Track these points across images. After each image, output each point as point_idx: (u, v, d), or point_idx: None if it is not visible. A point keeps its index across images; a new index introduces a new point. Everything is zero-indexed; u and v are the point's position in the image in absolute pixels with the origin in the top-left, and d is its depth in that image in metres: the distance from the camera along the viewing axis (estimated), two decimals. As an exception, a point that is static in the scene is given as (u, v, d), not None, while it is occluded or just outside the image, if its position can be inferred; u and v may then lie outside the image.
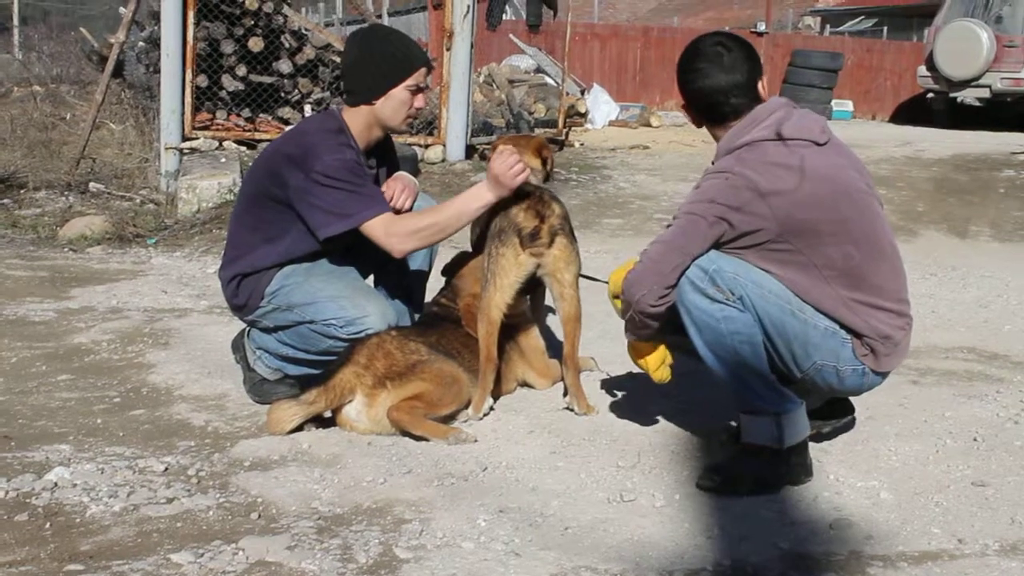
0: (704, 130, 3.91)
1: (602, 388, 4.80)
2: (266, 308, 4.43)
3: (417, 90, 4.41)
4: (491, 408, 4.40)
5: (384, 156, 4.68)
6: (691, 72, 3.77)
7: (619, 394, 4.71)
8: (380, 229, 4.20)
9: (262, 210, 4.41)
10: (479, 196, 4.25)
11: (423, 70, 4.43)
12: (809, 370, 3.75)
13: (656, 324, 3.80)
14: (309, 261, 4.44)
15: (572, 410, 4.43)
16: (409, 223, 4.26)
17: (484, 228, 4.47)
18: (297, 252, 4.40)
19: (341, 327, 4.28)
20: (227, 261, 4.54)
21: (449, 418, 4.26)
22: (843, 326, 3.70)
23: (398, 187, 4.53)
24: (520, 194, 4.27)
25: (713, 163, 3.75)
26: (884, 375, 3.86)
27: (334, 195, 4.19)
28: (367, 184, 4.30)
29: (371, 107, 4.38)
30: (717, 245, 3.65)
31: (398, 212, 4.41)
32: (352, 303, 4.31)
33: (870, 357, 3.73)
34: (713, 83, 3.73)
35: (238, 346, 4.73)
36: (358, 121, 4.42)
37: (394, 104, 4.38)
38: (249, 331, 4.64)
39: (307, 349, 4.43)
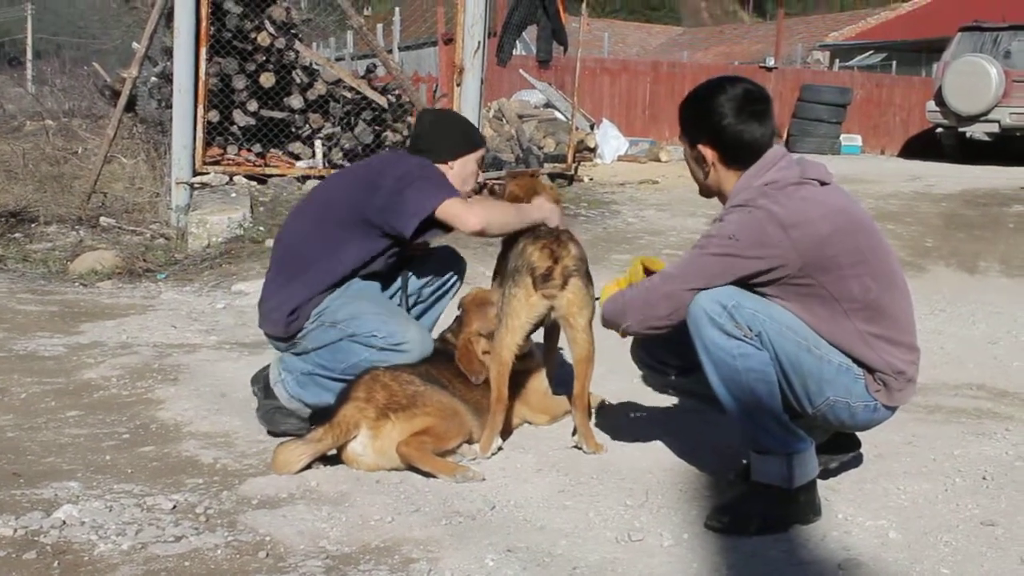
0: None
1: (610, 426, 4.79)
2: (310, 327, 4.51)
3: (480, 163, 4.78)
4: (499, 448, 4.40)
5: None
6: (742, 115, 3.75)
7: (627, 432, 4.70)
8: (460, 207, 4.37)
9: (328, 226, 4.53)
10: (534, 210, 4.49)
11: (484, 150, 4.86)
12: (821, 406, 3.75)
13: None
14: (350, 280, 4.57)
15: (581, 448, 4.43)
16: (485, 205, 4.49)
17: (501, 265, 4.49)
18: (348, 272, 4.53)
19: (382, 338, 4.38)
20: (279, 287, 4.59)
21: (450, 453, 4.26)
22: (856, 361, 3.71)
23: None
24: (537, 234, 4.29)
25: (720, 217, 3.76)
26: (894, 410, 3.86)
27: (424, 184, 4.39)
28: (451, 185, 4.52)
29: (448, 168, 4.63)
30: (737, 282, 3.66)
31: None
32: (396, 322, 4.47)
33: (883, 392, 3.74)
34: (762, 130, 3.77)
35: (257, 378, 4.76)
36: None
37: (468, 170, 4.71)
38: (280, 357, 4.68)
39: (334, 367, 4.46)
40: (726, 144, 3.80)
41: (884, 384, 3.75)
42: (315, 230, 4.58)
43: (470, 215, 4.34)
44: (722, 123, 3.77)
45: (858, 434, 4.15)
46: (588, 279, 4.35)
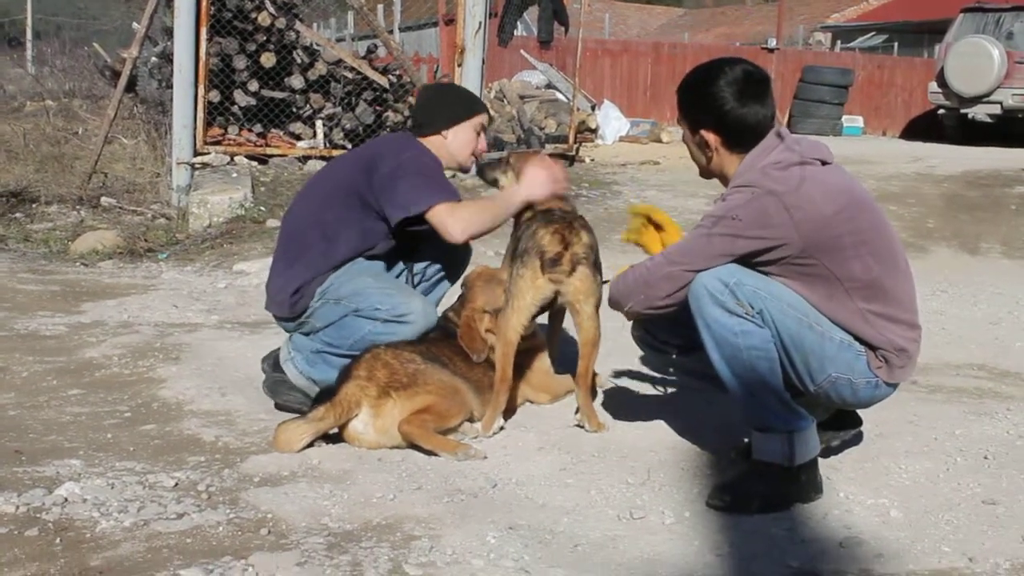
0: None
1: (612, 405, 4.79)
2: (316, 306, 4.54)
3: (481, 130, 4.80)
4: (501, 427, 4.41)
5: None
6: (744, 98, 3.73)
7: (629, 411, 4.70)
8: (447, 213, 4.40)
9: (331, 207, 4.57)
10: (514, 193, 4.55)
11: (485, 115, 4.85)
12: (823, 383, 3.76)
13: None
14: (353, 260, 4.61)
15: (583, 427, 4.43)
16: (468, 210, 4.47)
17: (513, 244, 4.50)
18: (350, 252, 4.57)
19: (385, 310, 4.42)
20: (284, 267, 4.64)
21: (451, 431, 4.26)
22: (857, 338, 3.71)
23: None
24: (551, 218, 4.29)
25: (723, 196, 3.75)
26: (895, 386, 3.87)
27: (416, 180, 4.44)
28: (446, 180, 4.58)
29: (442, 139, 4.69)
30: (739, 261, 3.66)
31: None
32: (399, 294, 4.52)
33: (884, 369, 3.75)
34: (764, 112, 3.76)
35: (268, 357, 4.81)
36: (432, 147, 4.69)
37: (463, 138, 4.73)
38: (289, 337, 4.71)
39: (341, 343, 4.49)
40: (729, 129, 3.78)
41: (886, 361, 3.75)
42: (317, 212, 4.61)
43: (454, 225, 4.38)
44: (725, 108, 3.75)
45: (860, 413, 4.16)
46: (597, 267, 4.33)
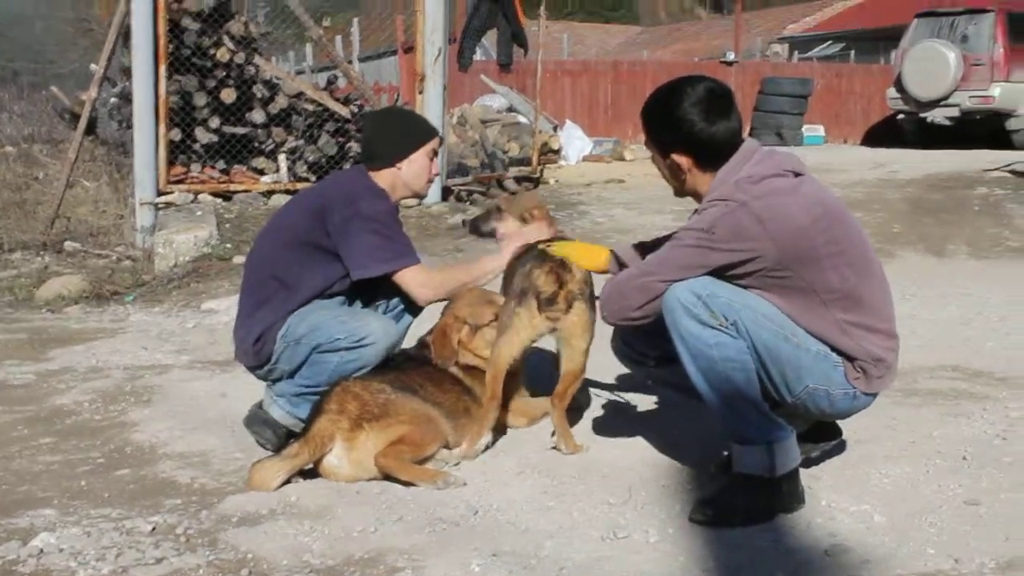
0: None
1: (590, 425, 4.78)
2: (279, 349, 4.49)
3: (434, 155, 4.75)
4: (488, 445, 4.40)
5: None
6: (711, 116, 3.71)
7: (607, 430, 4.69)
8: (414, 279, 4.49)
9: (288, 252, 4.54)
10: (497, 260, 4.60)
11: (437, 139, 4.81)
12: (801, 394, 3.75)
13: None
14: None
15: (559, 450, 4.41)
16: (439, 277, 4.60)
17: (507, 281, 4.54)
18: (310, 295, 4.54)
19: (345, 339, 4.38)
20: (246, 315, 4.61)
21: (427, 459, 4.22)
22: (835, 349, 3.71)
23: None
24: (545, 256, 4.30)
25: (697, 207, 3.75)
26: (873, 397, 3.87)
27: (375, 239, 4.44)
28: (403, 234, 4.57)
29: (395, 171, 4.65)
30: (714, 274, 3.65)
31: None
32: (354, 319, 4.48)
33: (862, 380, 3.74)
34: (732, 126, 3.75)
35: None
36: (384, 181, 4.66)
37: (416, 168, 4.70)
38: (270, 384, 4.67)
39: (318, 381, 4.43)
40: (701, 149, 3.76)
41: (863, 371, 3.75)
42: (278, 255, 4.58)
43: (421, 291, 4.53)
44: (694, 130, 3.72)
45: (838, 421, 4.15)
46: (592, 302, 4.32)
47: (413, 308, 4.82)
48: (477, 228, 4.84)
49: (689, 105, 3.73)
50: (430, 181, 4.81)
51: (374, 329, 4.42)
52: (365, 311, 4.64)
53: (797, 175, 3.71)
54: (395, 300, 4.77)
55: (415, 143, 4.68)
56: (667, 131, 3.81)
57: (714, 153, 3.75)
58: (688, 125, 3.73)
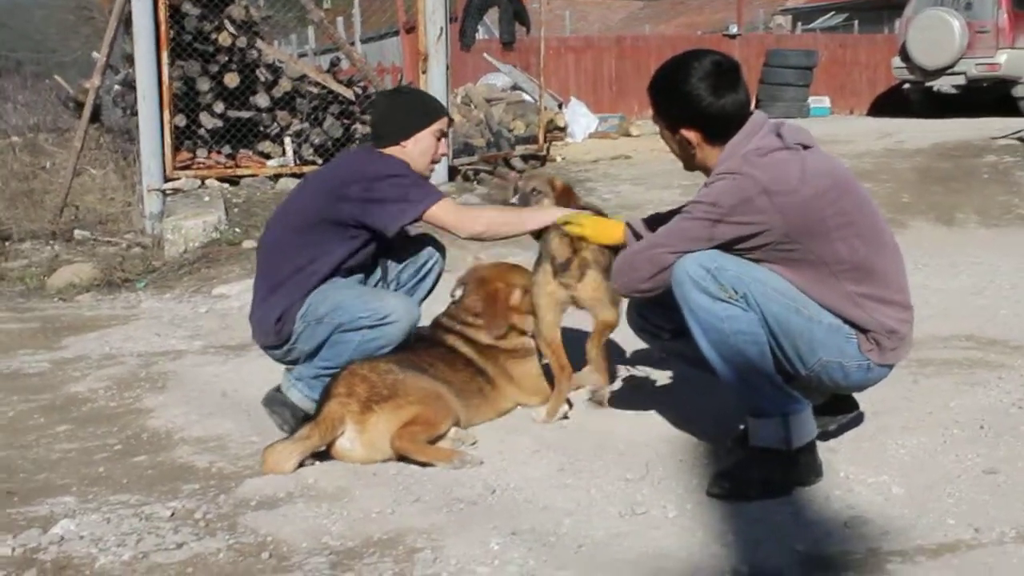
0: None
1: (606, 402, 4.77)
2: (299, 330, 4.52)
3: (441, 135, 4.73)
4: (566, 415, 4.53)
5: None
6: (719, 91, 3.70)
7: (623, 406, 4.68)
8: (450, 213, 4.50)
9: (300, 236, 4.55)
10: (545, 214, 4.45)
11: (446, 119, 4.81)
12: (814, 367, 3.74)
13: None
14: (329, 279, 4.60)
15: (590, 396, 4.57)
16: (475, 211, 4.66)
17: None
18: (327, 273, 4.56)
19: (367, 317, 4.40)
20: (261, 299, 4.65)
21: (440, 437, 4.22)
22: (847, 321, 3.70)
23: None
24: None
25: (707, 183, 3.74)
26: (889, 368, 3.86)
27: (396, 191, 4.45)
28: (422, 179, 4.60)
29: (401, 149, 4.66)
30: (723, 247, 3.64)
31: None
32: (376, 299, 4.50)
33: (875, 352, 3.73)
34: (740, 99, 3.73)
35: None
36: (394, 156, 4.67)
37: (422, 147, 4.68)
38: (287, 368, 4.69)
39: (337, 361, 4.43)
40: (710, 123, 3.75)
41: (877, 343, 3.74)
42: (290, 239, 4.59)
43: (459, 222, 4.48)
44: (702, 104, 3.71)
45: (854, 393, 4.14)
46: (607, 272, 4.32)
47: (427, 275, 4.88)
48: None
49: (697, 80, 3.72)
50: (435, 161, 4.79)
51: (396, 307, 4.44)
52: (385, 291, 4.68)
53: (806, 147, 3.69)
54: (407, 273, 4.80)
55: (421, 122, 4.68)
56: (675, 106, 3.80)
57: (723, 127, 3.74)
58: (696, 100, 3.71)
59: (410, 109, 4.75)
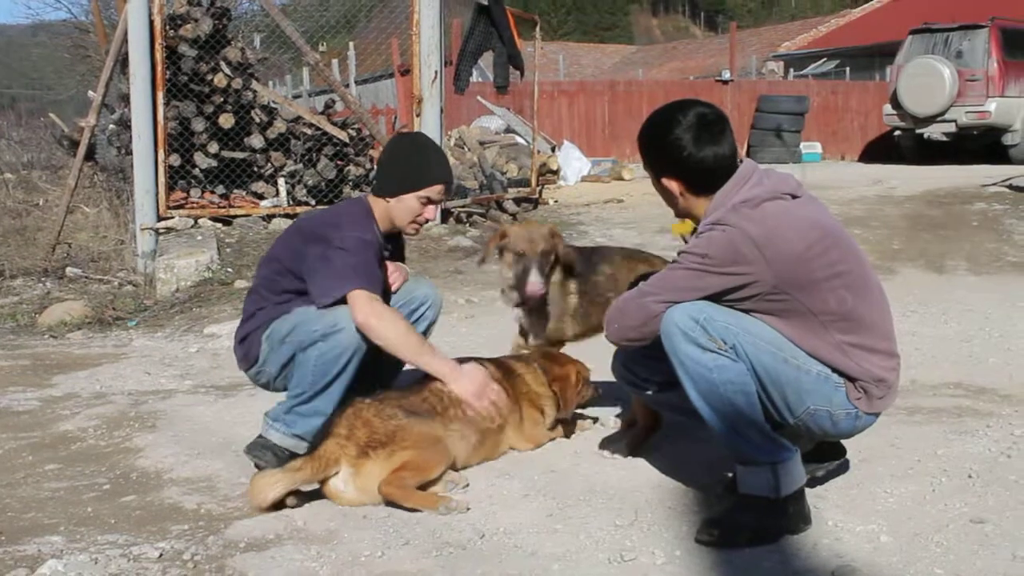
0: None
1: (595, 446, 4.77)
2: (265, 350, 4.58)
3: (429, 202, 4.73)
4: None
5: (396, 244, 5.01)
6: (700, 143, 3.75)
7: (613, 451, 4.68)
8: (363, 299, 4.37)
9: (282, 276, 4.63)
10: (440, 370, 4.51)
11: (440, 187, 4.74)
12: (802, 416, 3.76)
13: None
14: None
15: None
16: (390, 314, 4.47)
17: None
18: (294, 307, 4.59)
19: (320, 330, 4.37)
20: (239, 325, 4.79)
21: (435, 481, 4.21)
22: (836, 370, 3.72)
23: (391, 268, 4.84)
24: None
25: (697, 233, 3.76)
26: (876, 416, 3.87)
27: (338, 262, 4.43)
28: (372, 261, 4.55)
29: (387, 203, 4.71)
30: (712, 298, 3.67)
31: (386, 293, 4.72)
32: (329, 311, 4.42)
33: (863, 400, 3.75)
34: (722, 152, 3.76)
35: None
36: (379, 209, 4.75)
37: (404, 209, 4.71)
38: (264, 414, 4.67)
39: (305, 385, 4.42)
40: (690, 175, 3.79)
41: (865, 392, 3.76)
42: (269, 282, 4.69)
43: (359, 312, 4.35)
44: (683, 155, 3.76)
45: (843, 441, 4.15)
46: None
47: (417, 321, 4.88)
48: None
49: (680, 131, 3.76)
50: (416, 224, 4.77)
51: (341, 314, 4.38)
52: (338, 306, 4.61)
53: (794, 197, 3.73)
54: (414, 310, 4.86)
55: (409, 186, 4.68)
56: (658, 156, 3.85)
57: (704, 179, 3.78)
58: (677, 151, 3.77)
59: (405, 168, 4.72)
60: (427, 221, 4.84)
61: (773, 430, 3.74)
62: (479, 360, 4.75)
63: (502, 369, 4.80)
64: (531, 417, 4.80)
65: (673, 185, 3.82)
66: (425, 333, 4.88)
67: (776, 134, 21.94)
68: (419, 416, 4.30)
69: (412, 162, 4.75)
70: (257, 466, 4.47)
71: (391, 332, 4.40)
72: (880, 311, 3.81)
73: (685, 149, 3.74)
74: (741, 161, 3.85)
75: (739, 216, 3.62)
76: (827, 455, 4.15)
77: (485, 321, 8.03)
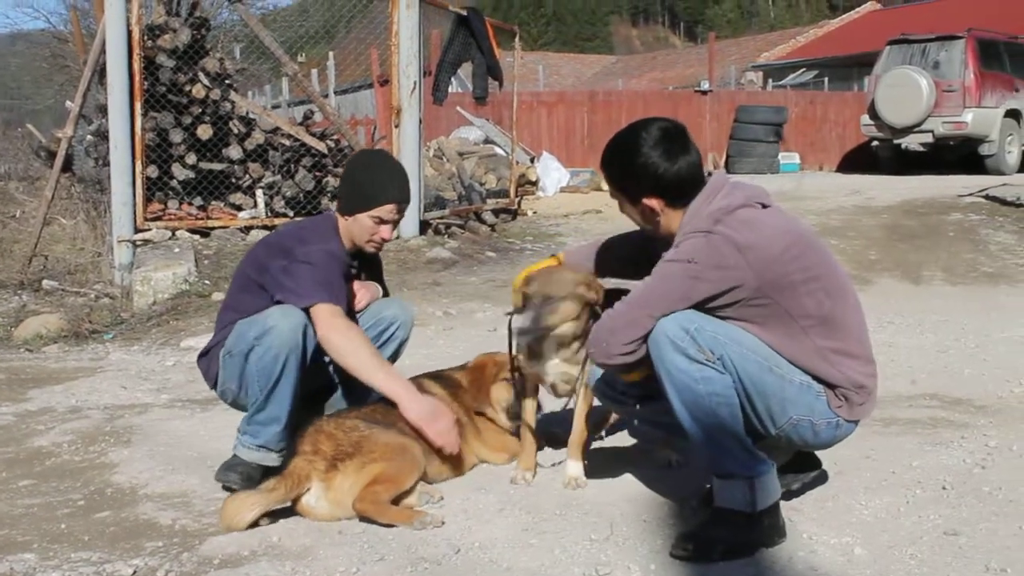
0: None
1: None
2: (222, 366, 4.60)
3: (382, 222, 4.71)
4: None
5: (367, 263, 5.00)
6: (672, 156, 3.78)
7: (589, 466, 4.68)
8: (325, 314, 4.40)
9: (245, 292, 4.65)
10: (395, 391, 4.44)
11: (392, 207, 4.72)
12: (784, 426, 3.77)
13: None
14: None
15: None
16: (351, 330, 4.48)
17: None
18: None
19: (254, 332, 4.36)
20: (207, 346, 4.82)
21: (407, 493, 4.20)
22: (817, 378, 3.74)
23: (357, 287, 4.85)
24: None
25: (676, 244, 3.77)
26: (855, 424, 3.89)
27: (301, 274, 4.43)
28: (336, 275, 4.55)
29: (344, 220, 4.74)
30: (697, 307, 3.67)
31: (351, 312, 4.72)
32: (260, 316, 4.42)
33: (844, 408, 3.77)
34: (693, 159, 3.81)
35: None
36: (341, 226, 4.79)
37: (359, 227, 4.74)
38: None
39: (255, 393, 4.40)
40: (668, 189, 3.81)
41: (846, 399, 3.78)
42: (238, 298, 4.71)
43: (321, 327, 4.37)
44: (659, 172, 3.78)
45: (818, 452, 4.17)
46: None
47: (388, 340, 4.90)
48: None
49: (648, 149, 3.79)
50: (374, 242, 4.78)
51: (272, 312, 4.38)
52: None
53: (765, 206, 3.76)
54: (382, 331, 4.83)
55: (362, 205, 4.69)
56: (633, 179, 3.86)
57: (683, 190, 3.81)
58: (653, 168, 3.78)
59: (361, 186, 4.72)
60: (384, 240, 4.81)
61: (753, 443, 3.75)
62: (418, 379, 4.75)
63: (448, 385, 4.80)
64: (487, 427, 4.78)
65: (654, 203, 3.83)
66: (396, 353, 4.88)
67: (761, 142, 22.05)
68: (380, 425, 4.29)
69: (364, 181, 4.74)
70: (226, 488, 4.45)
71: (348, 348, 4.41)
72: (856, 317, 3.85)
73: (659, 166, 3.77)
74: (710, 174, 3.87)
75: (719, 223, 3.65)
76: (803, 467, 4.16)
77: (463, 334, 8.01)
